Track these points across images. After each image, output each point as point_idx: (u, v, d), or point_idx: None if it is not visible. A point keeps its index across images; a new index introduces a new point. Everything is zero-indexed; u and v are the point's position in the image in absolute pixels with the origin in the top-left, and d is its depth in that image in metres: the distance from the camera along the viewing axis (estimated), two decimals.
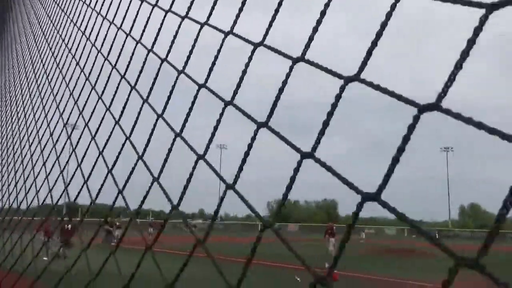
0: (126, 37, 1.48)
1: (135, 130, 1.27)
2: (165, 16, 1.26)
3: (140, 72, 1.34)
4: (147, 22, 1.35)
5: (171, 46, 1.22)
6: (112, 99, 1.49)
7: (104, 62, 1.62)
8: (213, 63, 0.98)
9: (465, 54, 0.47)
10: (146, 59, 1.31)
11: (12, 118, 3.04)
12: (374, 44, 0.59)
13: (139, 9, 1.41)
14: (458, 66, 0.48)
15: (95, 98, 1.59)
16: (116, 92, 1.46)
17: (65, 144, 1.80)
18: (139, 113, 1.26)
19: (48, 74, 2.29)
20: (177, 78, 1.16)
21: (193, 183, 0.99)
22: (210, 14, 1.08)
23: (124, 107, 1.37)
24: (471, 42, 0.47)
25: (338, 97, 0.63)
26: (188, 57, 1.10)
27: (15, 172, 2.30)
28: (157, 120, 1.16)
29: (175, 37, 1.22)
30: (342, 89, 0.62)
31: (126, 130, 1.31)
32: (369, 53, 0.59)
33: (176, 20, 1.17)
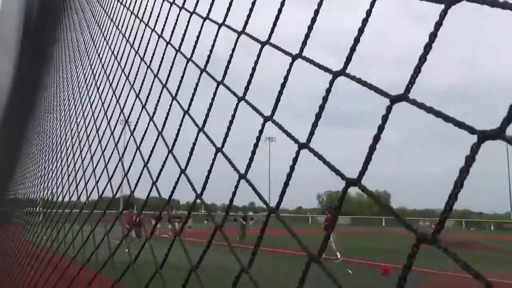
0: (166, 45, 1.51)
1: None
2: (203, 23, 1.27)
3: (181, 80, 1.42)
4: (186, 28, 1.38)
5: (209, 56, 1.23)
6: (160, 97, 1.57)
7: (147, 70, 1.69)
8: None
9: (428, 48, 0.51)
10: (185, 67, 1.36)
11: (73, 117, 3.24)
12: (357, 40, 0.63)
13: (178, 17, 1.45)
14: (422, 59, 0.51)
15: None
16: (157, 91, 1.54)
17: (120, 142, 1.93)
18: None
19: (97, 80, 2.44)
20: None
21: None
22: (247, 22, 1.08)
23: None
24: (433, 36, 0.50)
25: (328, 90, 0.67)
26: (227, 67, 1.11)
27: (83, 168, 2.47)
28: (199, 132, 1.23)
29: (212, 46, 1.23)
30: (331, 83, 0.67)
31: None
32: (352, 50, 0.63)
33: (215, 27, 1.18)
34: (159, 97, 1.46)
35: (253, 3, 0.97)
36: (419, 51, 0.52)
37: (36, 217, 3.78)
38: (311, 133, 0.70)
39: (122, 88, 1.86)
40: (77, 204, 2.38)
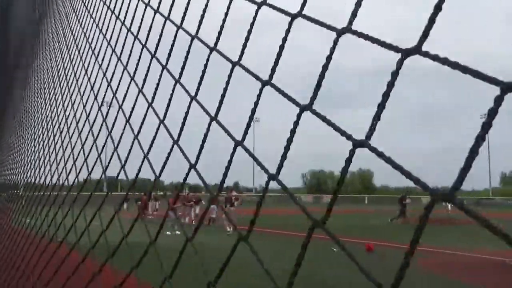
0: (155, 14, 1.44)
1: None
2: None
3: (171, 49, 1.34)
4: None
5: (200, 22, 1.16)
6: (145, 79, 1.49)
7: (134, 40, 1.61)
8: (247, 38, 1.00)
9: None
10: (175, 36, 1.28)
11: (51, 101, 3.16)
12: None
13: None
14: (437, 7, 0.49)
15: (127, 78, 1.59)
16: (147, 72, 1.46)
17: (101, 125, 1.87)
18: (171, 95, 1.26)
19: (82, 55, 2.35)
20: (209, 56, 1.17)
21: (227, 157, 0.97)
22: None
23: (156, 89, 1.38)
24: None
25: (332, 49, 0.65)
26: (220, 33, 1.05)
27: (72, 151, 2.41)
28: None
29: (204, 11, 1.16)
30: (335, 42, 0.64)
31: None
32: (357, 5, 0.61)
33: None
34: (148, 68, 1.41)
35: None
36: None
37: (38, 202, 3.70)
38: (315, 93, 0.68)
39: (109, 61, 1.80)
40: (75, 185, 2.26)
